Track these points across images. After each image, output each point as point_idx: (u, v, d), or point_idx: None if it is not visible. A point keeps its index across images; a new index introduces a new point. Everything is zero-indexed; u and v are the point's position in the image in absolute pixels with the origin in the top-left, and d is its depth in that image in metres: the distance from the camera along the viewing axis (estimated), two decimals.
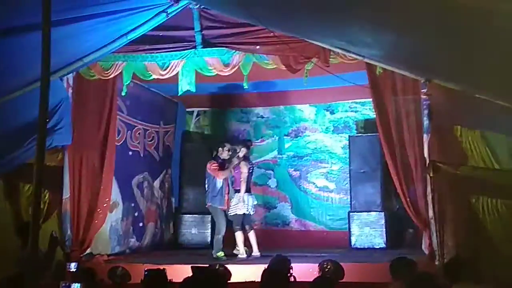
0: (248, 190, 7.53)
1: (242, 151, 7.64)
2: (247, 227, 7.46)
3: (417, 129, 6.30)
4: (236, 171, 7.63)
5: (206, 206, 7.84)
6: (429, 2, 3.30)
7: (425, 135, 6.18)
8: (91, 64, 6.44)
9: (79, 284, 4.08)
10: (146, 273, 4.23)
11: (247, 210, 7.43)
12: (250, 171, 7.68)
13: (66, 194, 6.89)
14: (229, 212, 7.50)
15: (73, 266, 5.27)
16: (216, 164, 7.68)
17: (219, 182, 7.62)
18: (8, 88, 5.65)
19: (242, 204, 7.38)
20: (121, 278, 4.81)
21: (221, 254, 7.33)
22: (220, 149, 7.82)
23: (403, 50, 4.94)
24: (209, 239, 8.72)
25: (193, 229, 8.82)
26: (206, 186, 7.77)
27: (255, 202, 7.70)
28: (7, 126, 5.97)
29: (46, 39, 3.21)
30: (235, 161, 7.60)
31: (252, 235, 7.45)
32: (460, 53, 4.40)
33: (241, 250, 7.39)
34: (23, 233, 5.55)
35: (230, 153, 7.79)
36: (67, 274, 5.13)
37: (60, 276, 5.21)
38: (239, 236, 7.37)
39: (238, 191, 7.49)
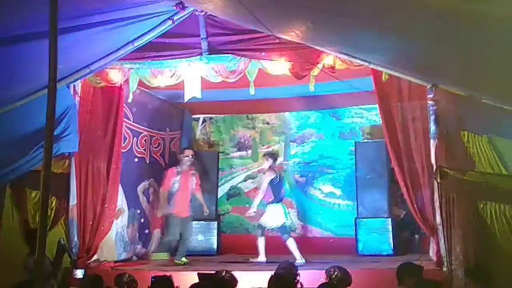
0: (279, 200, 7.60)
1: (268, 162, 7.70)
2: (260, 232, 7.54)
3: (423, 135, 6.28)
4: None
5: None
6: (436, 7, 3.29)
7: (432, 141, 6.16)
8: (97, 71, 6.46)
9: None
10: (152, 279, 4.23)
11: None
12: (276, 181, 7.63)
13: (73, 201, 6.91)
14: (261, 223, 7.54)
15: (79, 273, 5.29)
16: (170, 172, 7.76)
17: (175, 188, 7.70)
18: (15, 95, 5.67)
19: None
20: (128, 285, 4.80)
21: (185, 260, 7.49)
22: (181, 155, 7.94)
23: (410, 55, 4.93)
24: (215, 245, 8.72)
25: (199, 235, 8.78)
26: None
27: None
28: (14, 134, 6.00)
29: (53, 47, 3.22)
30: None
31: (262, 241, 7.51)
32: (467, 58, 4.39)
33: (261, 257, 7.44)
34: (31, 239, 5.58)
35: (191, 158, 7.86)
36: (73, 281, 5.14)
37: (67, 283, 5.23)
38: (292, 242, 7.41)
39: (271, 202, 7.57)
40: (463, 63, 4.60)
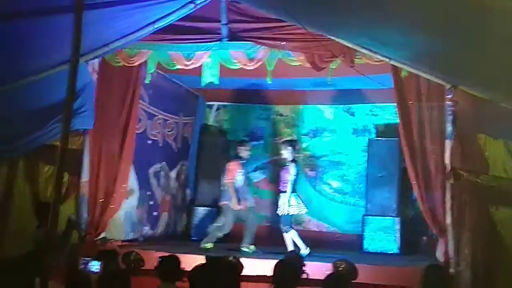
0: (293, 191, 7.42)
1: (289, 152, 7.47)
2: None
3: (439, 135, 6.23)
4: (283, 172, 7.51)
5: (220, 204, 7.80)
6: (466, 5, 3.25)
7: (447, 142, 6.11)
8: (117, 50, 6.47)
9: (98, 262, 4.12)
10: (160, 259, 4.25)
11: (300, 210, 7.45)
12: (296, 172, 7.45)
13: (85, 177, 6.94)
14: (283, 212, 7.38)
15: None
16: (234, 164, 7.64)
17: (239, 181, 7.60)
18: (35, 69, 5.69)
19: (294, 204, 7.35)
20: (134, 263, 4.84)
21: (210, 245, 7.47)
22: (239, 147, 7.81)
23: (433, 54, 4.88)
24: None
25: (207, 221, 8.80)
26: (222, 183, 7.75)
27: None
28: (31, 107, 6.02)
29: (77, 22, 3.24)
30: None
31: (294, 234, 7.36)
32: (489, 60, 4.34)
33: (302, 246, 7.23)
34: (40, 212, 5.63)
35: (250, 153, 7.81)
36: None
37: (75, 259, 5.26)
38: (294, 234, 7.30)
39: (284, 192, 7.39)
40: (485, 65, 4.55)
